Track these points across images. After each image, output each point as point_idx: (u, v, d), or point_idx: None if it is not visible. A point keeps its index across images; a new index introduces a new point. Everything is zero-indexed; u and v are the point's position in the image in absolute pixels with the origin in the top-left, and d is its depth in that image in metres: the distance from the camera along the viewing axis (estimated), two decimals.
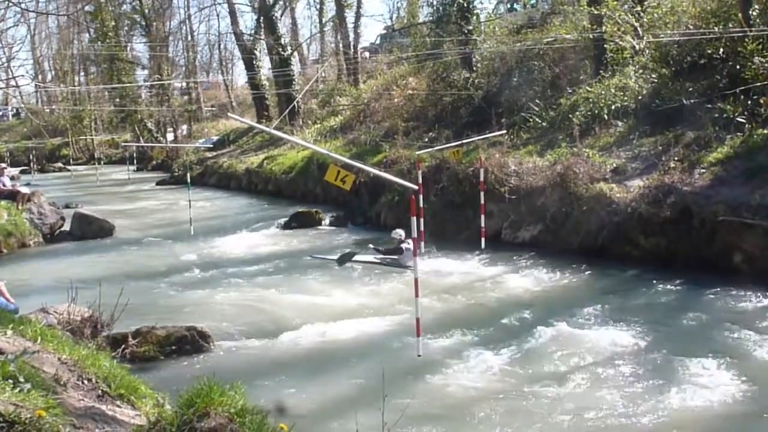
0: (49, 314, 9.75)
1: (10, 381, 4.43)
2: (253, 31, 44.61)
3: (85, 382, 5.44)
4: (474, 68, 25.12)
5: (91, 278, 13.49)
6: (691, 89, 17.12)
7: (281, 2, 43.63)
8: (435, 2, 27.66)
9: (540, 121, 20.60)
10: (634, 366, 9.31)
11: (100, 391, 5.37)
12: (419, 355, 9.45)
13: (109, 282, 11.87)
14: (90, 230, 21.93)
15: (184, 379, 8.10)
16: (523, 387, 8.78)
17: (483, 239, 15.98)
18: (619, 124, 18.23)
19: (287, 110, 31.74)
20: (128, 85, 49.98)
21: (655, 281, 13.13)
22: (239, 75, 68.04)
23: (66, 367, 5.46)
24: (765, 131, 14.71)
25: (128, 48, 56.88)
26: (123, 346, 9.85)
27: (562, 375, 9.12)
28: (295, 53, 44.60)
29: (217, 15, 78.05)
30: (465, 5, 25.25)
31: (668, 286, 12.90)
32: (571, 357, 9.76)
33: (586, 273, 14.21)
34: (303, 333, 11.33)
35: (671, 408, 8.02)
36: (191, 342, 10.58)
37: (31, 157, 50.40)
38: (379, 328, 11.36)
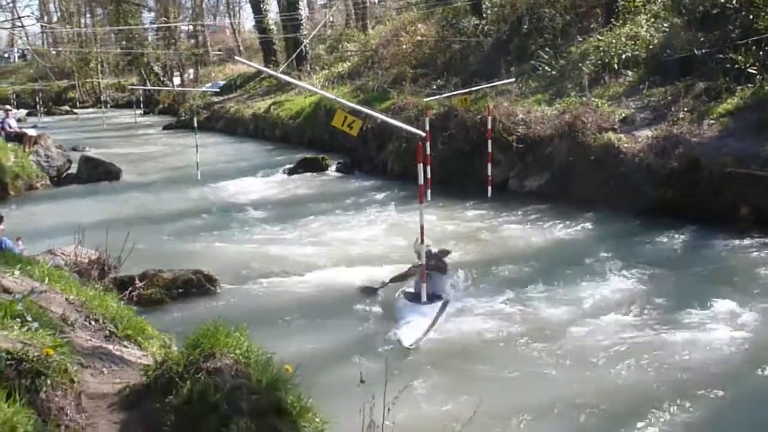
0: (56, 256, 9.84)
1: (18, 320, 4.47)
2: None
3: (93, 322, 5.49)
4: (484, 15, 24.82)
5: (98, 221, 13.53)
6: (702, 39, 16.91)
7: None
8: None
9: (549, 70, 20.39)
10: (638, 315, 9.35)
11: (107, 332, 5.43)
12: (424, 302, 9.53)
13: (115, 225, 11.94)
14: (97, 173, 21.97)
15: (190, 321, 8.17)
16: (527, 335, 8.83)
17: (489, 188, 15.97)
18: (629, 73, 18.05)
19: (294, 55, 31.46)
20: (135, 27, 49.60)
21: (661, 232, 13.10)
22: (247, 19, 67.31)
23: (73, 308, 5.51)
24: None
25: None
26: (130, 288, 9.91)
27: (567, 323, 9.17)
28: None
29: None
30: None
31: (674, 238, 12.88)
32: (576, 305, 9.80)
33: (593, 223, 14.19)
34: (309, 278, 11.40)
35: (676, 356, 8.08)
36: (197, 285, 10.66)
37: (37, 99, 50.20)
38: (384, 275, 11.41)
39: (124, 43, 53.94)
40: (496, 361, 8.13)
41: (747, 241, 12.15)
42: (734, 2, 17.05)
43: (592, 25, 21.34)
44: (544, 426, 6.73)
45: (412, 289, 10.08)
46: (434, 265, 10.11)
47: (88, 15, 66.99)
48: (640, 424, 6.69)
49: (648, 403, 7.06)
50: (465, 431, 6.13)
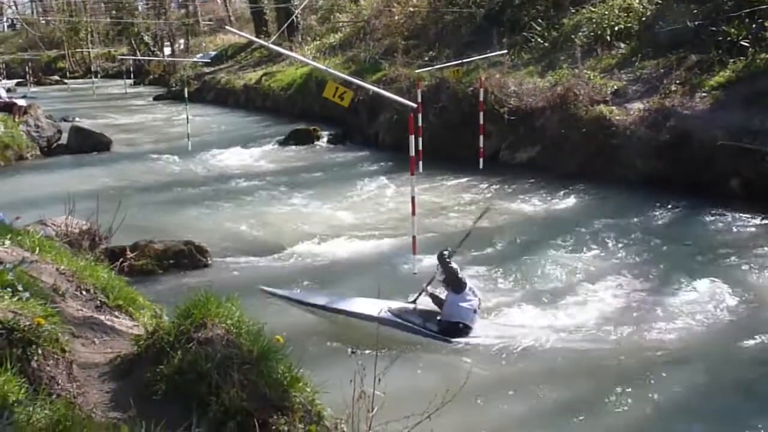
0: (47, 226, 9.79)
1: (9, 289, 4.46)
2: None
3: (84, 292, 5.48)
4: None
5: (88, 192, 13.46)
6: (695, 11, 16.84)
7: None
8: None
9: (542, 42, 20.32)
10: (628, 286, 9.42)
11: (98, 302, 5.42)
12: (415, 273, 9.54)
13: (106, 196, 11.90)
14: (87, 144, 21.91)
15: (181, 292, 8.17)
16: (516, 306, 8.88)
17: (481, 160, 15.97)
18: (622, 45, 18.00)
19: (285, 25, 31.28)
20: None
21: (651, 204, 13.15)
22: None
23: (64, 278, 5.50)
24: None
25: None
26: (121, 259, 9.92)
27: (556, 295, 9.22)
28: None
29: None
30: None
31: (665, 210, 12.93)
32: (567, 276, 9.87)
33: (583, 195, 14.23)
34: (300, 249, 11.41)
35: (663, 326, 8.15)
36: (189, 256, 10.68)
37: (27, 69, 49.79)
38: (375, 246, 11.44)
39: (113, 12, 53.53)
40: (486, 331, 8.17)
41: (736, 214, 12.20)
42: None
43: None
44: (533, 396, 6.79)
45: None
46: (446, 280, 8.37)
47: None
48: (627, 392, 6.77)
49: (636, 372, 7.14)
50: (455, 401, 6.18)
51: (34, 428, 3.39)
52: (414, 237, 9.65)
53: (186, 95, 23.41)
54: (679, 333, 8.02)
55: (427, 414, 4.46)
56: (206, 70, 40.98)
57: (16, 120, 21.31)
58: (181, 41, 53.74)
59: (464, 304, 8.16)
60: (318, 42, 34.12)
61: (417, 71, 19.36)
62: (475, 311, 8.17)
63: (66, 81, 52.69)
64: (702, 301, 8.79)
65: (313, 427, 4.21)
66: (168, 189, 16.44)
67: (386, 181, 16.27)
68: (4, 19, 74.15)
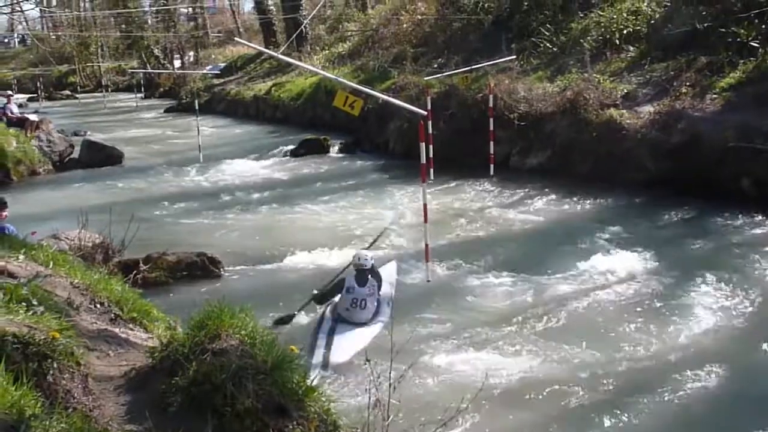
0: (60, 240, 9.83)
1: (24, 304, 4.48)
2: None
3: (98, 305, 5.49)
4: None
5: (101, 205, 13.54)
6: (704, 13, 16.77)
7: None
8: None
9: (550, 46, 20.30)
10: (641, 290, 9.37)
11: (112, 315, 5.43)
12: (428, 281, 9.55)
13: (119, 209, 11.94)
14: (99, 158, 21.97)
15: (195, 303, 8.09)
16: (530, 312, 8.85)
17: (491, 166, 15.99)
18: (631, 49, 17.96)
19: (294, 36, 31.37)
20: (134, 10, 49.46)
21: (663, 207, 13.13)
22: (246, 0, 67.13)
23: (78, 291, 5.51)
24: None
25: None
26: (134, 271, 9.93)
27: (570, 300, 9.19)
28: None
29: None
30: None
31: (677, 212, 12.91)
32: (578, 281, 9.83)
33: (595, 199, 14.20)
34: (312, 259, 11.42)
35: (678, 330, 8.11)
36: (202, 268, 10.70)
37: (38, 84, 50.02)
38: (388, 254, 11.42)
39: (123, 26, 53.79)
40: (500, 337, 8.15)
41: (748, 216, 12.16)
42: None
43: (593, 0, 21.20)
44: (547, 402, 6.76)
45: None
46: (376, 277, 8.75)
47: None
48: (639, 396, 6.75)
49: (649, 377, 7.11)
50: (471, 409, 6.17)
51: None
52: (426, 245, 9.66)
53: (196, 107, 23.51)
54: (694, 336, 7.98)
55: (443, 421, 4.45)
56: (216, 81, 41.12)
57: (29, 135, 21.45)
58: (191, 53, 53.92)
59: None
60: (327, 51, 34.21)
61: (426, 79, 19.41)
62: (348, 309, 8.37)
63: (77, 95, 52.89)
64: (716, 304, 8.75)
65: None
66: (180, 201, 16.47)
67: (398, 188, 16.28)
68: (15, 35, 74.65)
